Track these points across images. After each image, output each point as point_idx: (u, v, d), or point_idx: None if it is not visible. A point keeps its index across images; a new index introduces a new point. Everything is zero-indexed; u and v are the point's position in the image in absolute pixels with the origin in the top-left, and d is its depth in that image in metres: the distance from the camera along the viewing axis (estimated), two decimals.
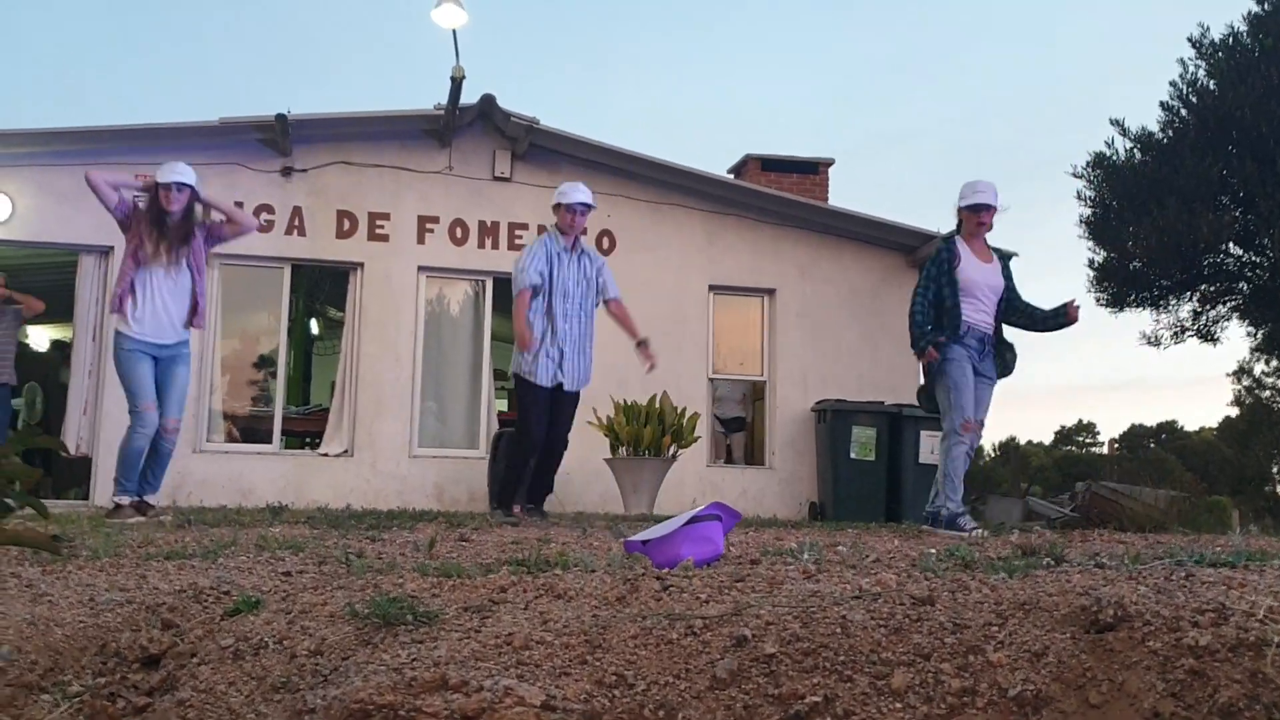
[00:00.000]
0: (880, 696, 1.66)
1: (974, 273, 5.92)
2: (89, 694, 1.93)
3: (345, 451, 10.46)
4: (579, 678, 1.71)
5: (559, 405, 6.71)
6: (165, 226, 6.03)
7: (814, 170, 13.14)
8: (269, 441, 10.58)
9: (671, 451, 9.50)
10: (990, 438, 56.12)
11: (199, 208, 6.23)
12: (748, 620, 1.84)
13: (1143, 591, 1.99)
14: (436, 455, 10.67)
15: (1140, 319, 15.34)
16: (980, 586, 2.08)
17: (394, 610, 2.01)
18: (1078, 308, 5.99)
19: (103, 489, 10.01)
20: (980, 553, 3.41)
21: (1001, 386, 6.22)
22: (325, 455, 10.47)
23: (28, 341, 15.92)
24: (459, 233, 10.87)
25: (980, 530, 5.78)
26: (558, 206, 6.78)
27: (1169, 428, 48.83)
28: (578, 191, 6.79)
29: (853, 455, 10.61)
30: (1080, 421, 50.53)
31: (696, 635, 1.82)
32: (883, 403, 10.86)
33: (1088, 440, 60.81)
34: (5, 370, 9.89)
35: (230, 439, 10.75)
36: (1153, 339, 12.35)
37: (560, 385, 6.67)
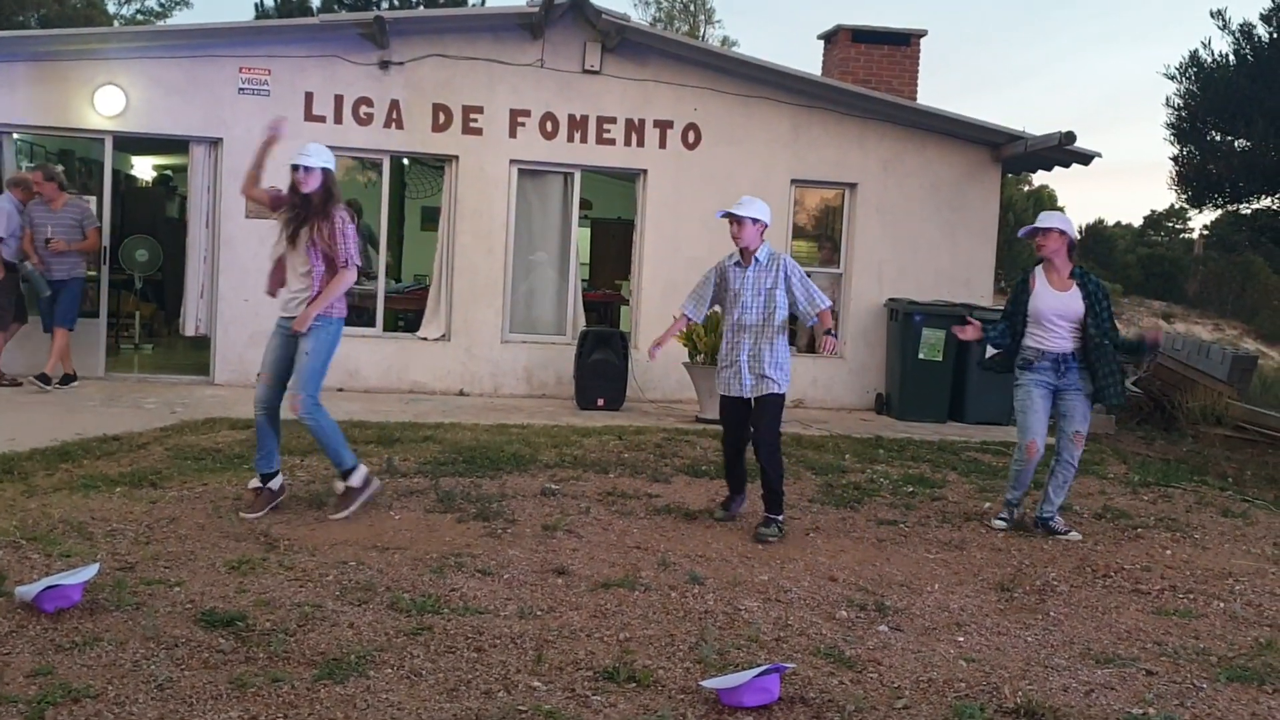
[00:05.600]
0: None
1: (1044, 301, 6.31)
2: None
3: (443, 336, 11.19)
4: None
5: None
6: (291, 204, 5.79)
7: (905, 42, 13.05)
8: (373, 324, 11.32)
9: None
10: (1079, 218, 54.84)
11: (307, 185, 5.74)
12: None
13: None
14: (526, 341, 11.36)
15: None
16: None
17: None
18: (1161, 333, 6.36)
19: (221, 368, 10.92)
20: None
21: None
22: (424, 339, 11.22)
23: (132, 172, 16.60)
24: (549, 126, 11.16)
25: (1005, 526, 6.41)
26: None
27: (1266, 213, 47.26)
28: (741, 205, 6.03)
29: (921, 356, 11.09)
30: (1172, 206, 49.11)
31: None
32: (952, 304, 11.24)
33: (1178, 227, 59.32)
34: (73, 266, 9.88)
35: None
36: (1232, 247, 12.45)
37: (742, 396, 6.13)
